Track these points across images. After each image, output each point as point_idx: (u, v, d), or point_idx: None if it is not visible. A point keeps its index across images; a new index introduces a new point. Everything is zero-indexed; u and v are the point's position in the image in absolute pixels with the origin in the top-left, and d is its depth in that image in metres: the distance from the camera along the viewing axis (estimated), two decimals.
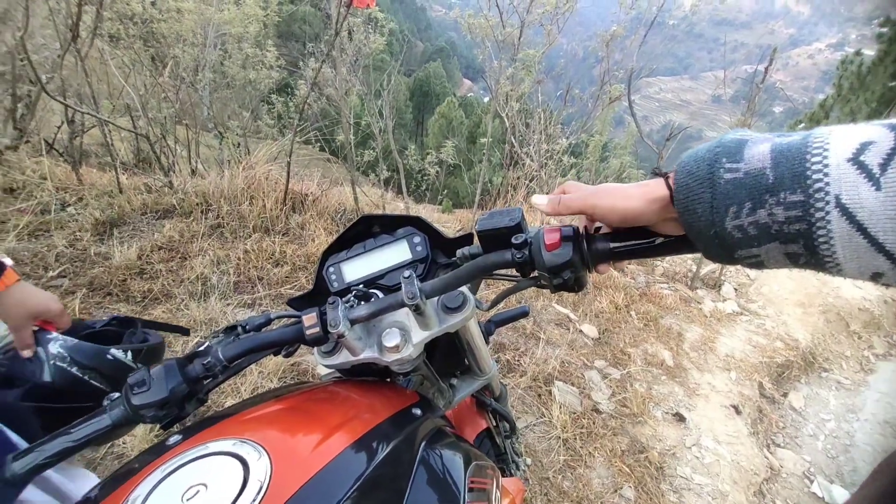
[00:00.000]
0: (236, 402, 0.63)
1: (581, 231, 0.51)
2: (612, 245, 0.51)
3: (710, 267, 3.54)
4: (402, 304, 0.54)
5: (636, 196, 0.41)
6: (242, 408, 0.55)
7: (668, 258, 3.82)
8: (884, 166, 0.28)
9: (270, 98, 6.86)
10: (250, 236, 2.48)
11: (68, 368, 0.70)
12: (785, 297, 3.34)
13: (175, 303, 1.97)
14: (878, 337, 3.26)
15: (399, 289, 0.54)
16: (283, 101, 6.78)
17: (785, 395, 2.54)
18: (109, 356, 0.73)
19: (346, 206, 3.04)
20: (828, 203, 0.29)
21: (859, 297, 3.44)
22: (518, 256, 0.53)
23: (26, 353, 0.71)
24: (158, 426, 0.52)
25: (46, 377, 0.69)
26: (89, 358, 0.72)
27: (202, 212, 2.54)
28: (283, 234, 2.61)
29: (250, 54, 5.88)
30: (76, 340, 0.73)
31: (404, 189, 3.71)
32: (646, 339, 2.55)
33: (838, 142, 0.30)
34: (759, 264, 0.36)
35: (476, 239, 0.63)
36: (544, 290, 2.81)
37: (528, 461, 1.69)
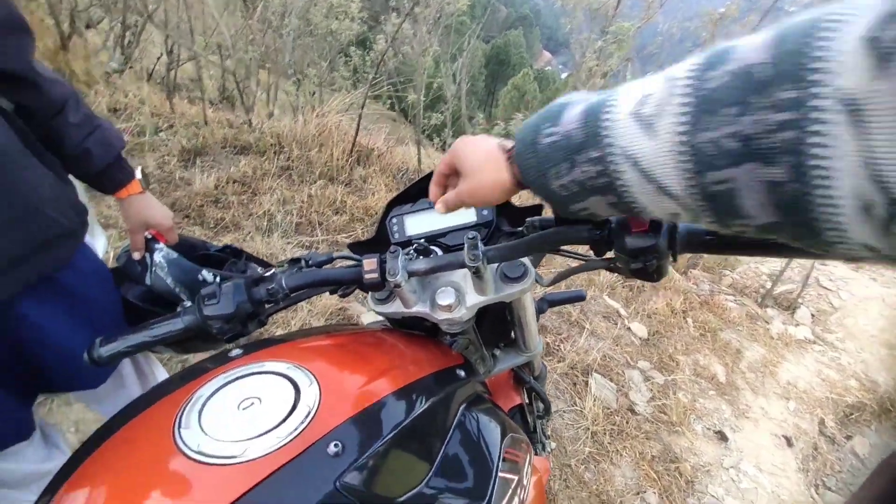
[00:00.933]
0: (291, 331, 0.66)
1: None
2: (708, 236, 0.46)
3: (786, 286, 3.21)
4: (462, 265, 0.53)
5: (491, 188, 0.43)
6: (297, 336, 0.57)
7: (738, 270, 3.51)
8: (657, 116, 0.29)
9: (348, 50, 6.91)
10: (315, 182, 2.57)
11: (164, 278, 0.77)
12: (871, 335, 2.97)
13: (242, 233, 2.11)
14: None
15: (460, 249, 0.52)
16: (361, 54, 6.80)
17: (849, 437, 2.31)
18: (200, 277, 0.79)
19: (409, 165, 3.05)
20: (617, 156, 0.31)
21: None
22: (596, 234, 0.49)
23: (136, 256, 0.80)
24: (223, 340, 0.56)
25: (147, 281, 0.78)
26: (182, 273, 0.78)
27: (275, 152, 2.66)
28: (345, 185, 2.67)
29: (335, 3, 5.90)
30: (176, 255, 0.80)
31: None
32: (699, 350, 2.40)
33: (624, 97, 0.32)
34: (593, 215, 0.38)
35: (548, 211, 0.59)
36: (595, 281, 2.68)
37: (553, 445, 1.68)
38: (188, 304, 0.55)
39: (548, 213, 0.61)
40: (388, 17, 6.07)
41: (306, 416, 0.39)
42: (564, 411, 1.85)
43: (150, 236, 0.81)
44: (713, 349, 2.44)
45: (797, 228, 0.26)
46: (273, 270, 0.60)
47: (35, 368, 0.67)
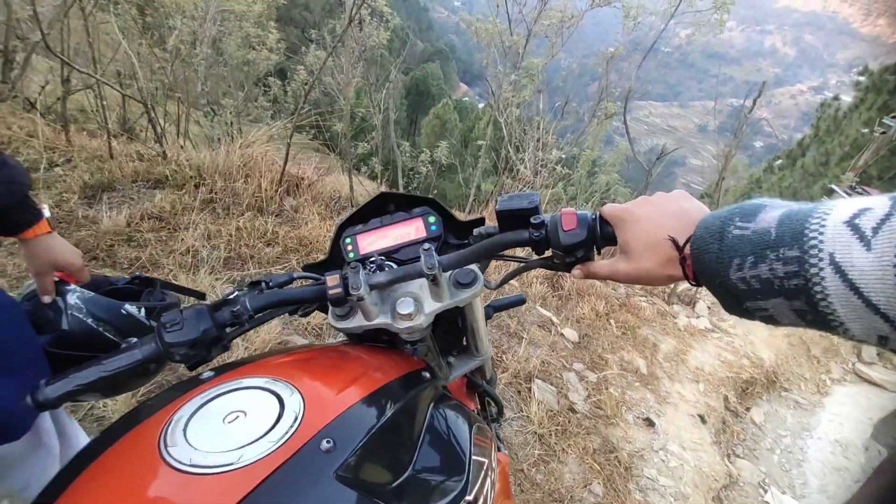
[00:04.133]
0: (257, 354, 0.66)
1: (595, 217, 0.56)
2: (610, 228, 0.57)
3: (685, 285, 3.68)
4: (420, 274, 0.58)
5: (658, 273, 0.46)
6: (265, 356, 0.58)
7: None
8: (876, 230, 0.28)
9: (266, 81, 6.76)
10: (243, 214, 2.47)
11: (84, 319, 0.73)
12: None
13: (163, 272, 1.95)
14: (835, 363, 3.46)
15: (414, 261, 0.58)
16: (280, 84, 6.70)
17: (747, 409, 2.67)
18: (123, 311, 0.76)
19: (342, 193, 3.04)
20: (822, 260, 0.30)
21: None
22: (535, 235, 0.58)
23: (46, 300, 0.73)
24: (185, 367, 0.54)
25: (65, 325, 0.72)
26: (104, 311, 0.74)
27: (195, 185, 2.51)
28: (276, 216, 2.60)
29: (251, 33, 5.80)
30: (93, 293, 0.76)
31: (400, 183, 3.73)
32: (623, 347, 2.65)
33: (840, 207, 0.32)
34: (770, 319, 0.37)
35: (491, 220, 0.67)
36: (528, 294, 2.84)
37: (505, 452, 1.74)
38: (134, 340, 0.53)
39: (490, 223, 0.70)
40: (308, 48, 6.08)
41: (294, 420, 0.41)
42: (512, 419, 1.93)
43: (58, 279, 0.77)
44: (634, 345, 2.71)
45: None
46: (235, 293, 0.60)
47: None
